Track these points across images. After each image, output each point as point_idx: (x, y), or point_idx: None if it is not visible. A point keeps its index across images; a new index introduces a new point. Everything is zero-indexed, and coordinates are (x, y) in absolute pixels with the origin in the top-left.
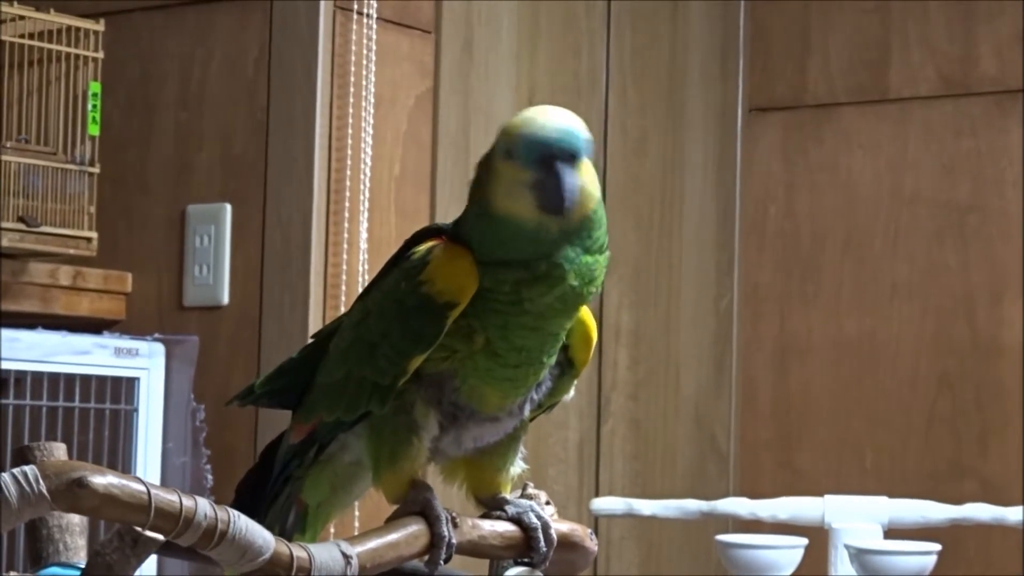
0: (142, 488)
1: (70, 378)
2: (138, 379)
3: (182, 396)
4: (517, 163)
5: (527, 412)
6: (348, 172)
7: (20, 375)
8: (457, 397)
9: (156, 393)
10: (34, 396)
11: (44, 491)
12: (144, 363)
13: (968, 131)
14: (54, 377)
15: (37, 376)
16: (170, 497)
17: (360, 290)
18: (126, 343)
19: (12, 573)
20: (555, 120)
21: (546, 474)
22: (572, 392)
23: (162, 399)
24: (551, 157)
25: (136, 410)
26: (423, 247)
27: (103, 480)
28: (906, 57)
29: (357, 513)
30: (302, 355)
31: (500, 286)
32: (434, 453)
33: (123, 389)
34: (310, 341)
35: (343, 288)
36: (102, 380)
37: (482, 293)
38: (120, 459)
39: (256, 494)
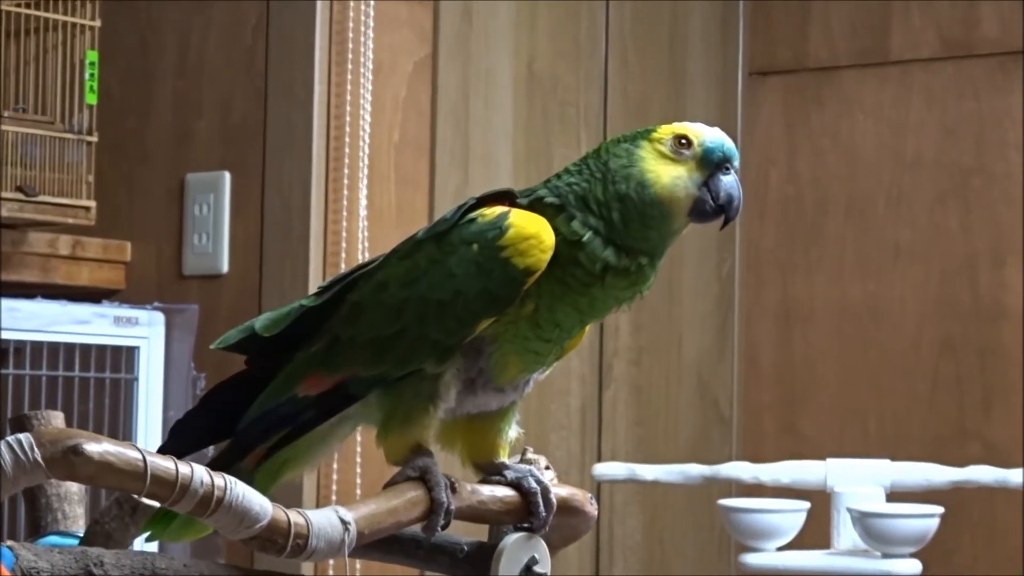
0: (138, 455)
1: (70, 347)
2: (138, 348)
3: (182, 365)
4: (692, 159)
5: (529, 388)
6: (347, 139)
7: (20, 345)
8: (485, 363)
9: (156, 362)
10: (34, 366)
11: (39, 459)
12: (144, 332)
13: (970, 93)
14: (54, 347)
15: (37, 346)
16: (166, 464)
17: (362, 257)
18: (126, 312)
19: (10, 542)
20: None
21: (548, 440)
22: (548, 370)
23: (162, 368)
24: (727, 163)
25: (136, 379)
26: (491, 211)
27: (98, 448)
28: (907, 20)
29: (359, 480)
30: (320, 304)
31: (592, 263)
32: None
33: (123, 358)
34: (319, 289)
35: (343, 255)
36: (102, 349)
37: (559, 261)
38: (121, 428)
39: (192, 441)
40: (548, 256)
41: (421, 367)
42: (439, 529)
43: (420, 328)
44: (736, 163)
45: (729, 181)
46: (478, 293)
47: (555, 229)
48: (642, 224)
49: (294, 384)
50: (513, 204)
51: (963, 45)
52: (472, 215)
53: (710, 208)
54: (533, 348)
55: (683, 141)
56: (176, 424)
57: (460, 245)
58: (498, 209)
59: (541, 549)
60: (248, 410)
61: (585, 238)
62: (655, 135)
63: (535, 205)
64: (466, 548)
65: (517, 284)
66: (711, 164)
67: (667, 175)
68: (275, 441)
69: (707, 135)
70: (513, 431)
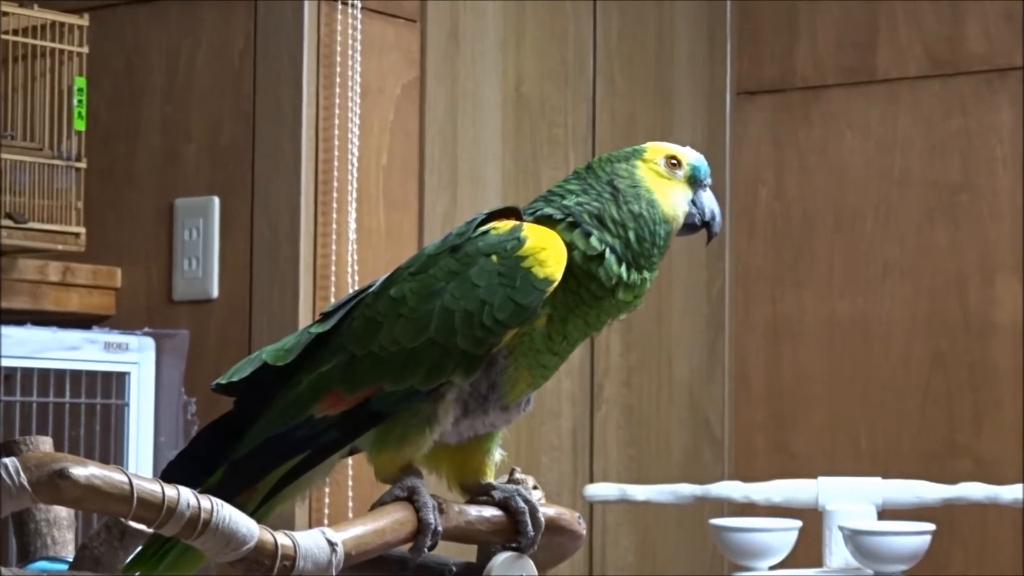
0: (124, 478)
1: (60, 374)
2: (128, 373)
3: (173, 390)
4: (683, 178)
5: (530, 407)
6: (336, 163)
7: (10, 372)
8: (499, 378)
9: (147, 387)
10: (24, 392)
11: (25, 483)
12: (134, 357)
13: (957, 110)
14: (44, 373)
15: (27, 372)
16: (152, 487)
17: (350, 280)
18: (116, 338)
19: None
20: None
21: (540, 462)
22: None
23: (153, 393)
24: (706, 182)
25: (127, 405)
26: (504, 224)
27: (84, 471)
28: (894, 37)
29: (351, 504)
30: (329, 329)
31: (609, 278)
32: None
33: (113, 384)
34: (323, 315)
35: (332, 278)
36: (92, 375)
37: (573, 275)
38: (112, 454)
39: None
40: (563, 267)
41: (450, 380)
42: (426, 550)
43: (447, 340)
44: (711, 180)
45: (711, 197)
46: (502, 303)
47: (570, 244)
48: (652, 241)
49: (309, 406)
50: (519, 220)
51: (950, 62)
52: (484, 228)
53: (698, 222)
54: (542, 362)
55: (674, 161)
56: (167, 467)
57: (478, 256)
58: (510, 223)
59: (529, 569)
60: (242, 441)
61: (607, 254)
62: (647, 155)
63: (542, 221)
64: (454, 568)
65: (539, 293)
66: (697, 181)
67: (671, 194)
68: (288, 469)
69: (690, 155)
70: (498, 453)
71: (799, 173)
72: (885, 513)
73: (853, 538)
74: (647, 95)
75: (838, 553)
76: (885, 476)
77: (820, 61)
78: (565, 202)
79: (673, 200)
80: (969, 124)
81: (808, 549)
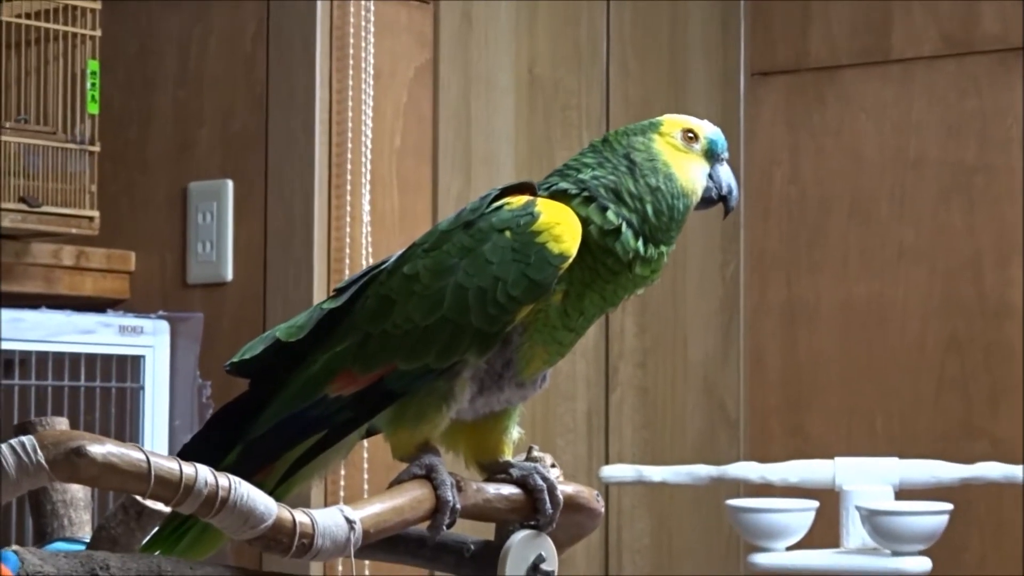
0: (141, 456)
1: (75, 357)
2: (143, 357)
3: (188, 373)
4: (700, 151)
5: (546, 384)
6: (349, 146)
7: (25, 355)
8: (514, 355)
9: (162, 371)
10: (39, 376)
11: (42, 461)
12: (149, 341)
13: (972, 91)
14: (59, 357)
15: (42, 356)
16: (170, 465)
17: (365, 263)
18: (130, 321)
19: (15, 547)
20: None
21: (555, 444)
22: None
23: (168, 376)
24: (723, 156)
25: (142, 388)
26: (518, 200)
27: (102, 449)
28: (908, 17)
29: (366, 487)
30: (342, 305)
31: (625, 253)
32: None
33: (128, 367)
34: (336, 291)
35: (347, 262)
36: (107, 359)
37: (589, 250)
38: (127, 437)
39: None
40: (578, 242)
41: (463, 358)
42: (444, 528)
43: (461, 317)
44: (727, 154)
45: (728, 171)
46: (516, 279)
47: (586, 219)
48: (670, 215)
49: (322, 385)
50: (534, 195)
51: (964, 42)
52: (497, 204)
53: (715, 196)
54: (558, 338)
55: (691, 135)
56: (183, 448)
57: (492, 232)
58: (524, 198)
59: (548, 547)
60: (257, 421)
61: (624, 228)
62: (664, 129)
63: (557, 196)
64: (472, 547)
65: (553, 269)
66: (714, 155)
67: (688, 168)
68: (305, 449)
69: (707, 128)
70: (516, 431)
71: (814, 155)
72: (902, 493)
73: (870, 518)
74: (661, 76)
75: (855, 533)
76: (901, 459)
77: (834, 41)
78: (581, 176)
79: (691, 174)
80: (984, 104)
81: (825, 529)
